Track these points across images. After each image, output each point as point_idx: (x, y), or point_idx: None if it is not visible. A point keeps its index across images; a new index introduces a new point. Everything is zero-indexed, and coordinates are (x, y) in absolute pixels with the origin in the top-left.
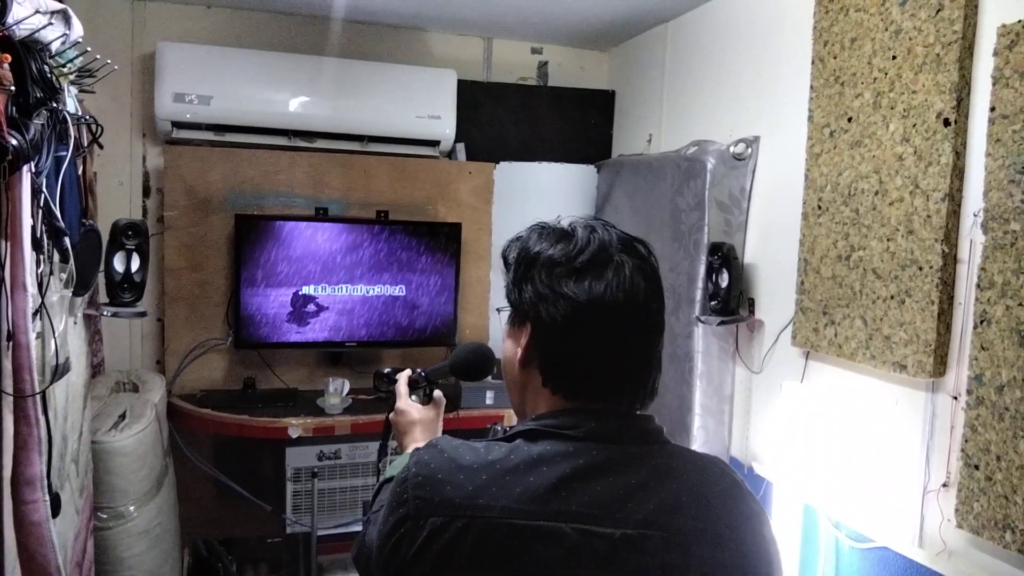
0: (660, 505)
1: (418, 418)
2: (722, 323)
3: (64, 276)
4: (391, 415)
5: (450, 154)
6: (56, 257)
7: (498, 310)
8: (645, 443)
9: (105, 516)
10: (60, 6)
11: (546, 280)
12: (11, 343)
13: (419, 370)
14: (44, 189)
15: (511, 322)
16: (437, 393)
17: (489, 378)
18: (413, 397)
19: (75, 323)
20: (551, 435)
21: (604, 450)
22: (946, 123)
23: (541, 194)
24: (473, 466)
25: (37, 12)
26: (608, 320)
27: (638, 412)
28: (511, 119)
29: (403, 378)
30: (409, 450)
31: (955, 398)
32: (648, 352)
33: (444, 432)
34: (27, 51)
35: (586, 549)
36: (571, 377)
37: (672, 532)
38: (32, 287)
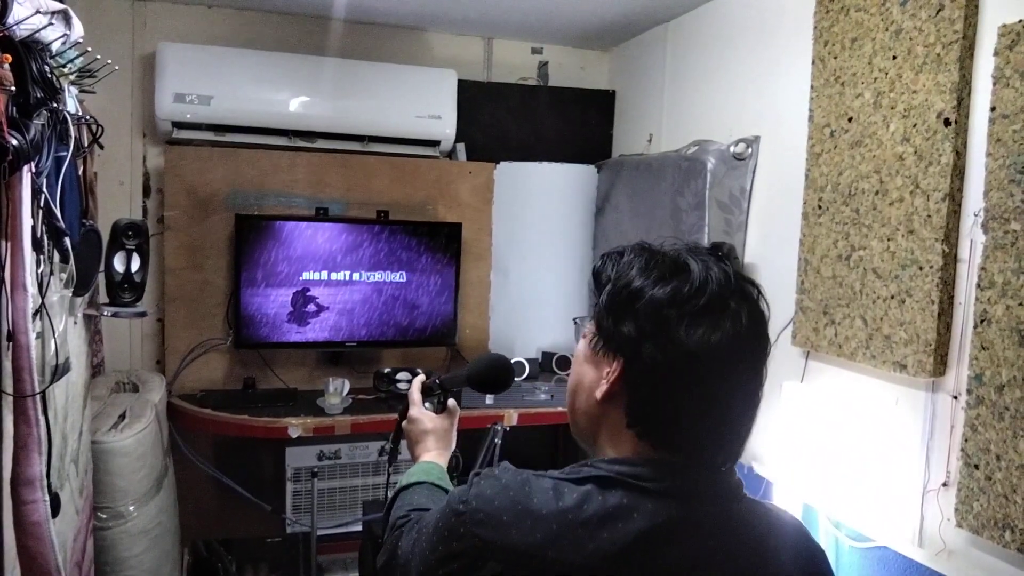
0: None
1: (431, 427)
2: None
3: (64, 276)
4: (403, 423)
5: (450, 154)
6: (56, 257)
7: (575, 320)
8: (726, 501)
9: (105, 516)
10: (61, 6)
11: (653, 319)
12: (11, 343)
13: (434, 377)
14: (44, 189)
15: (595, 348)
16: (452, 402)
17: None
18: (427, 405)
19: (75, 323)
20: (627, 486)
21: (683, 509)
22: (947, 123)
23: (541, 194)
24: (542, 512)
25: (38, 12)
26: (717, 373)
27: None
28: (511, 119)
29: (416, 384)
30: (424, 458)
31: (955, 398)
32: (751, 408)
33: None
34: (28, 51)
35: None
36: (664, 426)
37: None
38: (32, 287)
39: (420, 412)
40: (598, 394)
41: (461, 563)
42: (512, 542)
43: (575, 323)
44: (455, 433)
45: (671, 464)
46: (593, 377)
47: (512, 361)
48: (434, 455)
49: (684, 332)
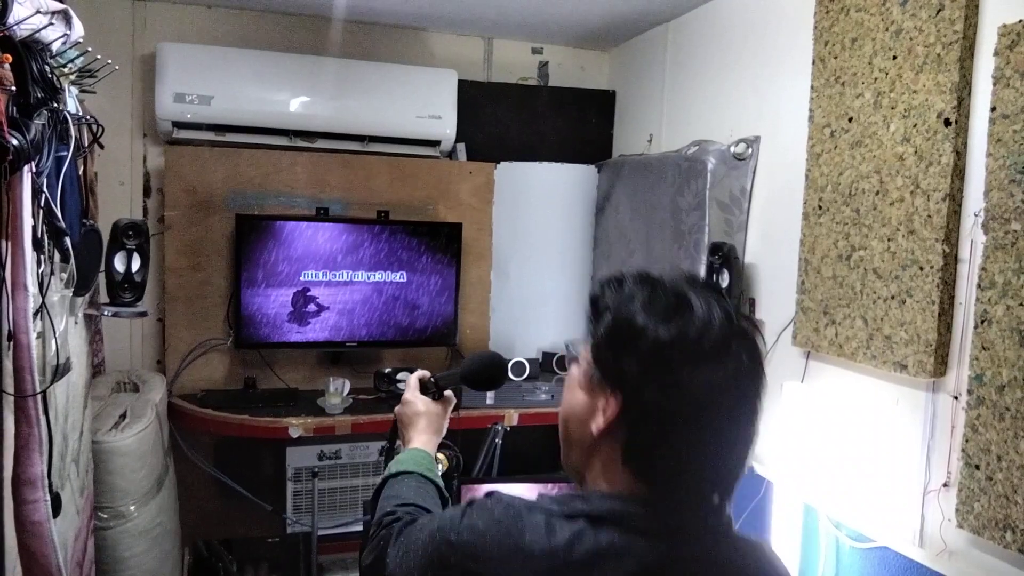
0: None
1: (423, 410)
2: None
3: (65, 276)
4: (397, 408)
5: (451, 154)
6: (57, 257)
7: (566, 345)
8: (716, 539)
9: (105, 516)
10: (61, 6)
11: (657, 361)
12: (12, 343)
13: (430, 376)
14: (45, 189)
15: (592, 379)
16: (448, 392)
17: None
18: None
19: (76, 323)
20: (619, 525)
21: (674, 549)
22: (947, 123)
23: (541, 194)
24: (532, 551)
25: (38, 12)
26: (717, 415)
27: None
28: (511, 119)
29: (416, 374)
30: (413, 444)
31: (956, 398)
32: (748, 446)
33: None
34: (28, 51)
35: None
36: (661, 466)
37: None
38: (33, 287)
39: (413, 395)
40: (594, 428)
41: None
42: None
43: (566, 348)
44: (447, 421)
45: (666, 504)
46: (588, 407)
47: (512, 361)
48: (423, 440)
49: (688, 375)
